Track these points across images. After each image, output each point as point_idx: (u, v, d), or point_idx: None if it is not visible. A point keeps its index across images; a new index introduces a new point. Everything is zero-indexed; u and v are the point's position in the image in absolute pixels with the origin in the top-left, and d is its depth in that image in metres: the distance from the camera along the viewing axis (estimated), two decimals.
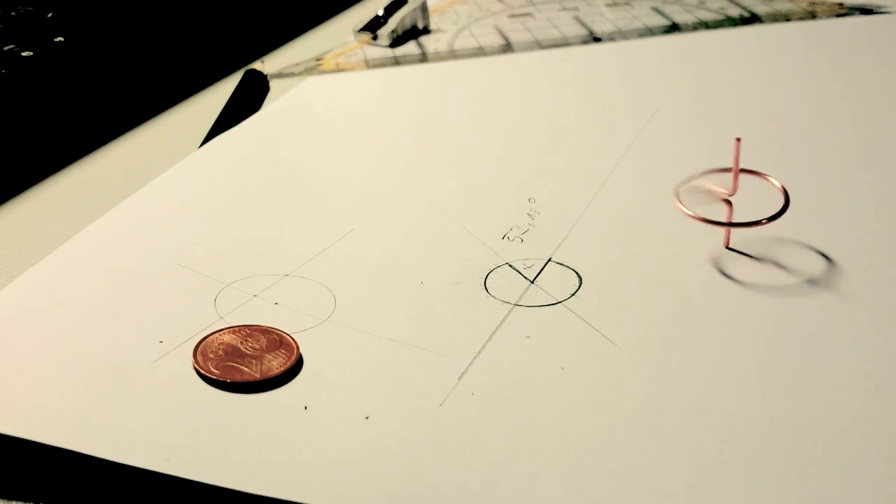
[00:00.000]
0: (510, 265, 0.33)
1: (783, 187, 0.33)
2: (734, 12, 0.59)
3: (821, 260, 0.32)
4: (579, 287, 0.31)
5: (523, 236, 0.35)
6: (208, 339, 0.29)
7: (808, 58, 0.52)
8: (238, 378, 0.27)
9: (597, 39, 0.56)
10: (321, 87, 0.51)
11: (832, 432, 0.25)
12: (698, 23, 0.57)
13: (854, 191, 0.37)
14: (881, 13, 0.58)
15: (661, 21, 0.58)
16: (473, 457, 0.24)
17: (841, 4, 0.59)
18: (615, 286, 0.31)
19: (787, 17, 0.58)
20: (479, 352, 0.28)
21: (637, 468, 0.24)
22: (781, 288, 0.31)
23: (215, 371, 0.27)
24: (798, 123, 0.44)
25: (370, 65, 0.54)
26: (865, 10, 0.58)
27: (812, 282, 0.31)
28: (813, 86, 0.48)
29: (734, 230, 0.33)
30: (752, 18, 0.58)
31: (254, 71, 0.53)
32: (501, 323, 0.30)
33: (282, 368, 0.27)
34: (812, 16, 0.58)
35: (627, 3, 0.62)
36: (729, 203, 0.33)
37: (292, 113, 0.48)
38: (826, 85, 0.48)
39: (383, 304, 0.31)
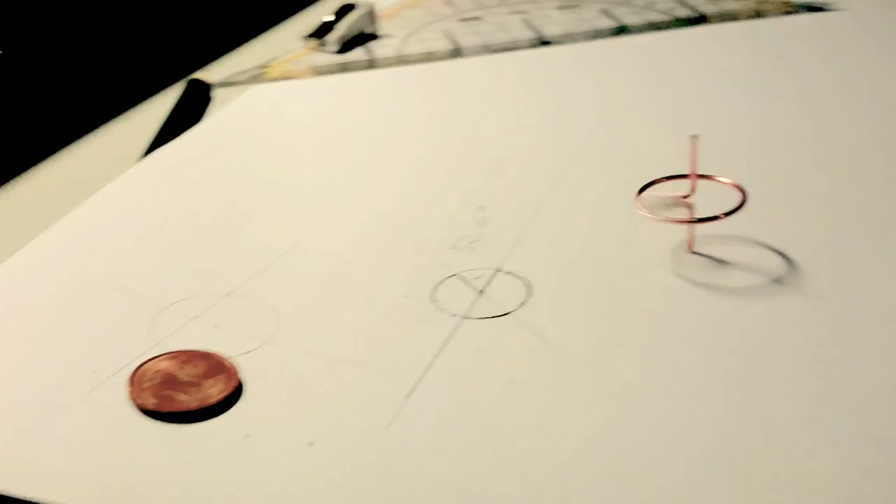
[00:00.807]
0: (459, 276, 0.32)
1: (736, 184, 0.32)
2: (682, 13, 0.58)
3: (779, 261, 0.32)
4: (529, 297, 0.31)
5: (472, 246, 0.34)
6: (144, 367, 0.27)
7: (758, 57, 0.52)
8: (175, 408, 0.26)
9: (546, 43, 0.55)
10: (267, 95, 0.50)
11: (784, 437, 0.24)
12: (647, 24, 0.57)
13: (809, 189, 0.37)
14: (828, 10, 0.58)
15: (609, 23, 0.57)
16: (423, 480, 0.24)
17: (788, 2, 0.59)
18: (566, 295, 0.31)
19: (734, 17, 0.57)
20: (428, 368, 0.28)
21: (592, 484, 0.23)
22: (737, 290, 0.30)
23: (152, 401, 0.26)
24: (750, 122, 0.43)
25: (318, 72, 0.53)
26: (813, 8, 0.58)
27: (770, 283, 0.31)
28: (763, 84, 0.48)
29: (694, 232, 0.33)
30: (699, 19, 0.57)
31: (196, 80, 0.51)
32: (450, 337, 0.29)
33: (221, 395, 0.26)
34: (760, 14, 0.58)
35: (576, 6, 0.61)
36: (688, 205, 0.32)
37: (237, 123, 0.47)
38: (776, 83, 0.48)
39: (328, 322, 0.30)
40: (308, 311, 0.30)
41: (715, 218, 0.31)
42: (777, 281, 0.31)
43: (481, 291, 0.31)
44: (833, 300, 0.30)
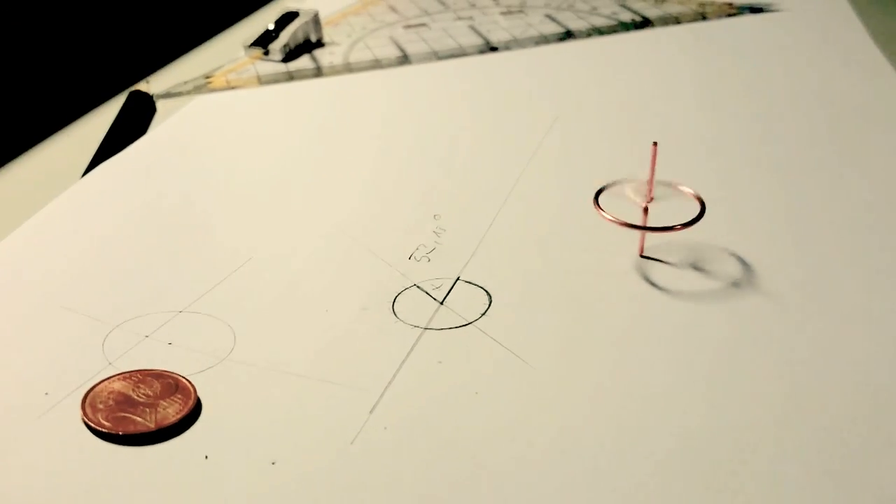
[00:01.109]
0: (418, 286, 0.32)
1: (698, 196, 0.32)
2: (626, 17, 0.59)
3: (734, 263, 0.32)
4: (489, 306, 0.30)
5: (430, 255, 0.34)
6: (97, 388, 0.26)
7: (705, 59, 0.52)
8: (131, 429, 0.25)
9: (493, 49, 0.55)
10: (212, 106, 0.49)
11: (749, 442, 0.24)
12: (592, 29, 0.57)
13: (760, 190, 0.37)
14: (770, 11, 0.59)
15: (555, 28, 0.58)
16: (389, 495, 0.23)
17: (731, 4, 0.60)
18: (527, 302, 0.31)
19: (677, 20, 0.58)
20: (390, 382, 0.27)
21: (560, 494, 0.23)
22: (696, 295, 0.31)
23: (106, 423, 0.25)
24: (698, 125, 0.44)
25: (263, 81, 0.52)
26: (755, 9, 0.59)
27: (726, 286, 0.31)
28: (711, 86, 0.48)
29: (648, 237, 0.33)
30: (644, 23, 0.58)
31: (138, 92, 0.50)
32: (412, 349, 0.29)
33: (178, 416, 0.25)
34: (703, 17, 0.58)
35: (521, 11, 0.61)
36: (645, 210, 0.32)
37: (182, 135, 0.46)
38: (724, 85, 0.48)
39: (286, 337, 0.29)
40: (265, 326, 0.30)
41: (671, 228, 0.31)
42: (735, 284, 0.31)
43: (441, 302, 0.31)
44: (792, 302, 0.30)
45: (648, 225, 0.32)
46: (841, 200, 0.36)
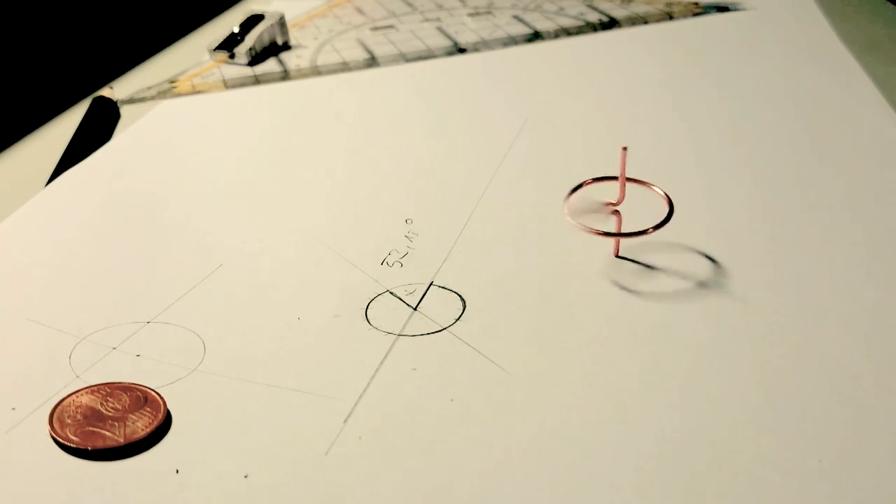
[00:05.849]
0: (391, 292, 0.31)
1: (667, 195, 0.32)
2: (593, 18, 0.59)
3: (706, 263, 0.32)
4: (463, 311, 0.30)
5: (403, 260, 0.33)
6: (65, 403, 0.26)
7: (672, 59, 0.52)
8: (100, 444, 0.24)
9: (461, 50, 0.55)
10: (177, 111, 0.49)
11: (727, 445, 0.24)
12: (560, 30, 0.57)
13: (730, 190, 0.37)
14: (736, 10, 0.59)
15: (523, 30, 0.57)
16: None
17: (697, 3, 0.60)
18: (500, 307, 0.30)
19: (644, 20, 0.58)
20: (365, 390, 0.27)
21: (536, 501, 0.23)
22: (669, 297, 0.30)
23: (75, 438, 0.25)
24: (667, 125, 0.44)
25: (229, 85, 0.52)
26: (721, 8, 0.59)
27: (699, 286, 0.31)
28: (679, 86, 0.48)
29: (623, 238, 0.33)
30: (611, 23, 0.58)
31: (102, 98, 0.49)
32: (386, 356, 0.28)
33: (148, 429, 0.25)
34: (669, 17, 0.59)
35: (489, 13, 0.61)
36: (616, 212, 0.32)
37: (147, 141, 0.45)
38: (692, 84, 0.48)
39: (258, 346, 0.29)
40: (236, 335, 0.29)
41: (643, 232, 0.31)
42: (707, 285, 0.31)
43: (415, 308, 0.30)
44: (764, 302, 0.30)
45: (619, 230, 0.32)
46: (811, 198, 0.36)
